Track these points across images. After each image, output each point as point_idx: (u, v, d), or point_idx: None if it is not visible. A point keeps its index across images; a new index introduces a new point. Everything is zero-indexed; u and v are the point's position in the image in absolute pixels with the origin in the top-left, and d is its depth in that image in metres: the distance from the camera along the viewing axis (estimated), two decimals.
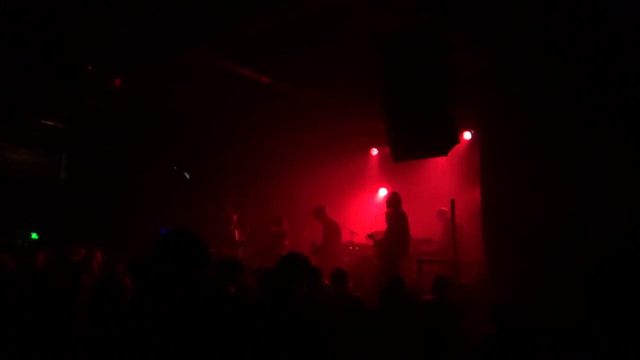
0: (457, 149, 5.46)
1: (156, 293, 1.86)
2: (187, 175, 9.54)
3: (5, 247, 6.08)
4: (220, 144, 9.20)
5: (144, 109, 7.21)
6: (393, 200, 6.75)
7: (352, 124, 7.90)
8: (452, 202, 6.17)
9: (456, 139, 4.52)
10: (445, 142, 4.50)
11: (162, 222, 7.88)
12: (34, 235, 8.28)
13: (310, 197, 8.89)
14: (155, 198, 9.16)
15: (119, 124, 7.80)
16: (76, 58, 5.22)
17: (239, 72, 5.86)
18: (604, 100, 4.31)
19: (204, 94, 6.74)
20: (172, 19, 4.63)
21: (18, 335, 2.42)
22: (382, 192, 9.22)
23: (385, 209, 6.81)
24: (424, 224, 7.87)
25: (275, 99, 6.76)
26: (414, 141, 4.74)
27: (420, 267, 6.12)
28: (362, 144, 9.00)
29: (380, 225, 7.16)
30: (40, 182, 8.61)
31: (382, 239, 6.69)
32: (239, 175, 10.03)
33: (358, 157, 9.37)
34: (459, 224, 6.36)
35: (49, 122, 7.69)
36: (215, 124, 8.10)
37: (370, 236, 6.91)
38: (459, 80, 4.48)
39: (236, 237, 8.83)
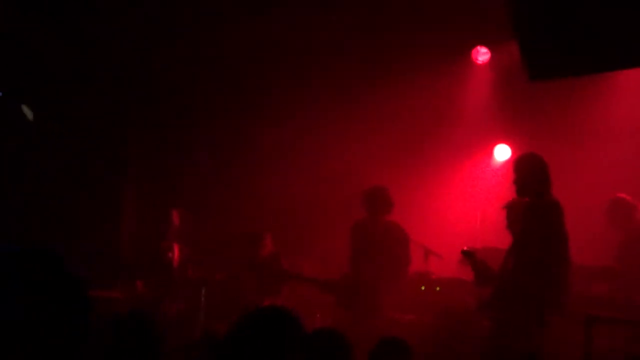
0: None
1: None
2: (28, 113, 8.80)
3: None
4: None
5: None
6: (530, 173, 6.22)
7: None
8: None
9: None
10: None
11: None
12: None
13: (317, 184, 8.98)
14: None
15: None
16: None
17: None
18: None
19: None
20: None
21: None
22: (501, 154, 8.97)
23: (510, 197, 6.45)
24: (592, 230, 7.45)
25: None
26: (580, 38, 4.40)
27: (589, 333, 5.76)
28: (453, 41, 8.79)
29: (494, 235, 7.05)
30: None
31: (504, 266, 6.32)
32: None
33: (442, 75, 9.00)
34: None
35: None
36: None
37: (468, 254, 6.46)
38: None
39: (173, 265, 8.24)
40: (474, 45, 9.19)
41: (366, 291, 7.37)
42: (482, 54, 9.18)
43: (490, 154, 9.24)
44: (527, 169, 6.23)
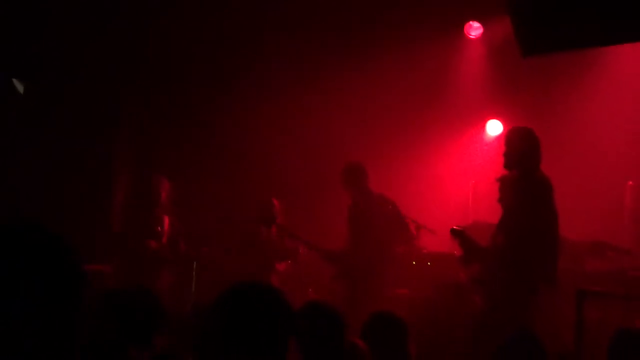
0: None
1: None
2: (19, 86, 8.99)
3: None
4: None
5: None
6: (520, 147, 6.31)
7: None
8: None
9: None
10: None
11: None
12: None
13: (322, 152, 9.07)
14: None
15: None
16: None
17: None
18: None
19: None
20: None
21: None
22: (493, 129, 9.12)
23: (501, 172, 6.53)
24: (585, 208, 7.60)
25: None
26: (573, 13, 4.50)
27: (581, 307, 5.78)
28: (446, 16, 8.88)
29: (485, 210, 7.24)
30: None
31: (493, 241, 6.39)
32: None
33: (435, 50, 9.14)
34: None
35: None
36: None
37: (457, 233, 6.52)
38: None
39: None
40: (466, 20, 9.19)
41: (365, 268, 7.30)
42: (475, 29, 9.21)
43: (482, 128, 9.29)
44: (517, 142, 6.24)
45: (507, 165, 6.28)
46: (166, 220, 8.24)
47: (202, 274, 8.09)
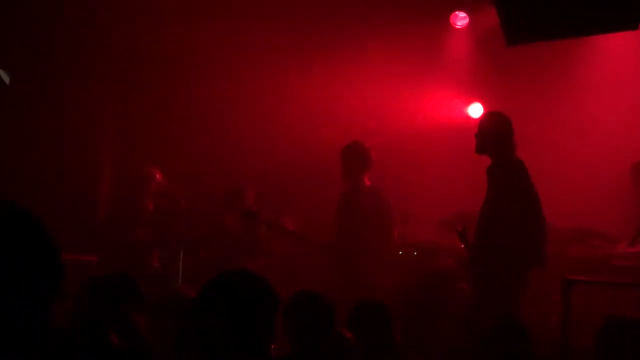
0: None
1: None
2: (5, 76, 8.76)
3: None
4: None
5: None
6: (493, 133, 6.25)
7: None
8: None
9: None
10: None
11: None
12: None
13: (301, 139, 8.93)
14: None
15: None
16: None
17: None
18: None
19: None
20: None
21: None
22: (475, 114, 8.94)
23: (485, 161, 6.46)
24: (572, 192, 7.63)
25: None
26: (558, 3, 4.54)
27: (568, 295, 5.80)
28: (432, 6, 8.82)
29: (470, 199, 6.92)
30: None
31: (481, 229, 6.32)
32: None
33: (421, 36, 9.01)
34: None
35: None
36: None
37: (462, 234, 6.42)
38: None
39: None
40: (452, 10, 9.07)
41: (354, 261, 7.20)
42: (461, 19, 9.13)
43: (463, 112, 9.16)
44: (491, 126, 6.19)
45: (479, 148, 6.23)
46: (152, 209, 8.15)
47: (189, 261, 7.94)
